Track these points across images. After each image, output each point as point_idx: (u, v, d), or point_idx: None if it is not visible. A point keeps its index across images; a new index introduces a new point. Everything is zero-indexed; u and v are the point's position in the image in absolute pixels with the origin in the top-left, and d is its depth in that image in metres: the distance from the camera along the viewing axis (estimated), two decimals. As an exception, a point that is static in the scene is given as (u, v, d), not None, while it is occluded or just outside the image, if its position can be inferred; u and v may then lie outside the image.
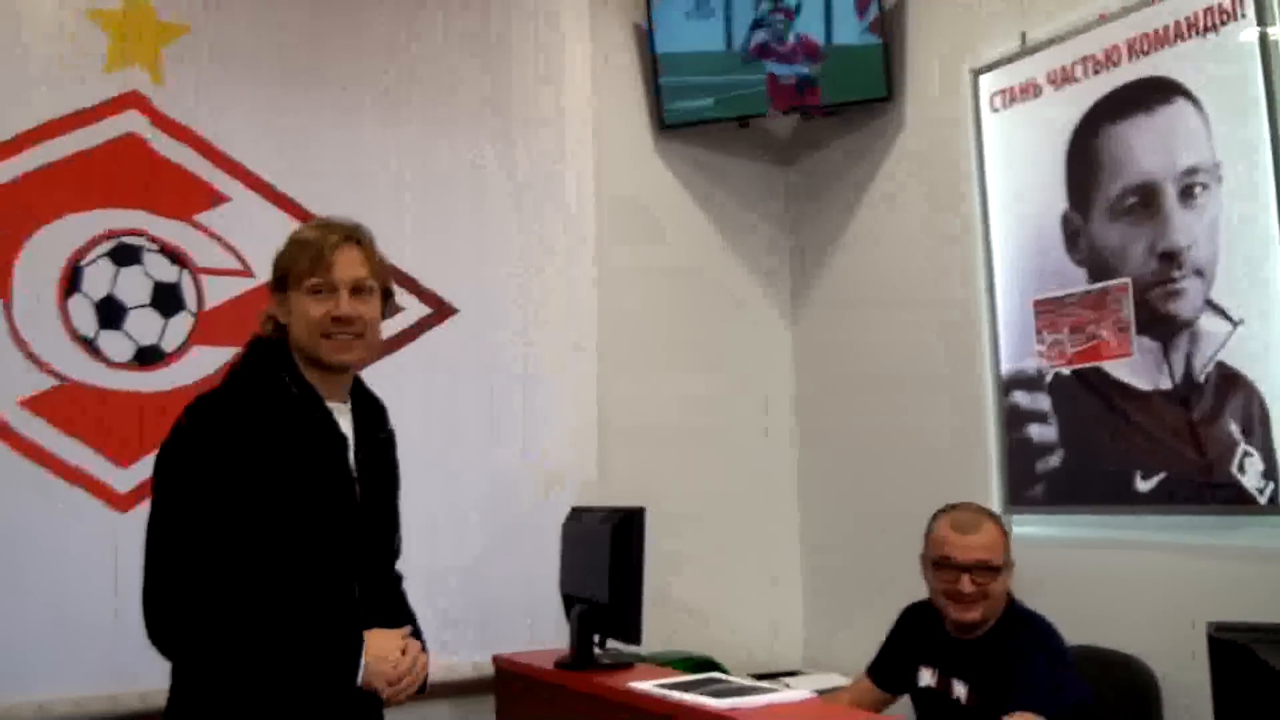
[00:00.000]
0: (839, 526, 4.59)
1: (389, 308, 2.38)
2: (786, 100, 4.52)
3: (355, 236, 2.26)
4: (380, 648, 2.13)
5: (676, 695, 2.80)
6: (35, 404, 3.48)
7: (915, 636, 3.14)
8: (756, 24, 4.50)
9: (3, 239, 3.49)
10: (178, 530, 2.03)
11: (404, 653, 2.17)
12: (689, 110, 4.61)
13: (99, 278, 3.61)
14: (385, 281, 2.32)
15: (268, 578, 2.07)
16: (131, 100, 3.69)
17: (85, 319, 3.58)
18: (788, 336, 4.89)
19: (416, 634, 2.32)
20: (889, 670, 3.21)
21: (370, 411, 2.36)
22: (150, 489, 2.14)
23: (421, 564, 3.91)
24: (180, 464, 2.08)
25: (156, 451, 2.16)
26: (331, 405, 2.24)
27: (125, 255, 3.64)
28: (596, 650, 3.33)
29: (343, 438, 2.22)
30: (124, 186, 3.65)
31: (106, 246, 3.63)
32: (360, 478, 2.25)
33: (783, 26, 4.44)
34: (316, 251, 2.19)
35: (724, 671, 3.57)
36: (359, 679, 2.09)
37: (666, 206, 4.72)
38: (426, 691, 2.28)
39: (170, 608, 2.02)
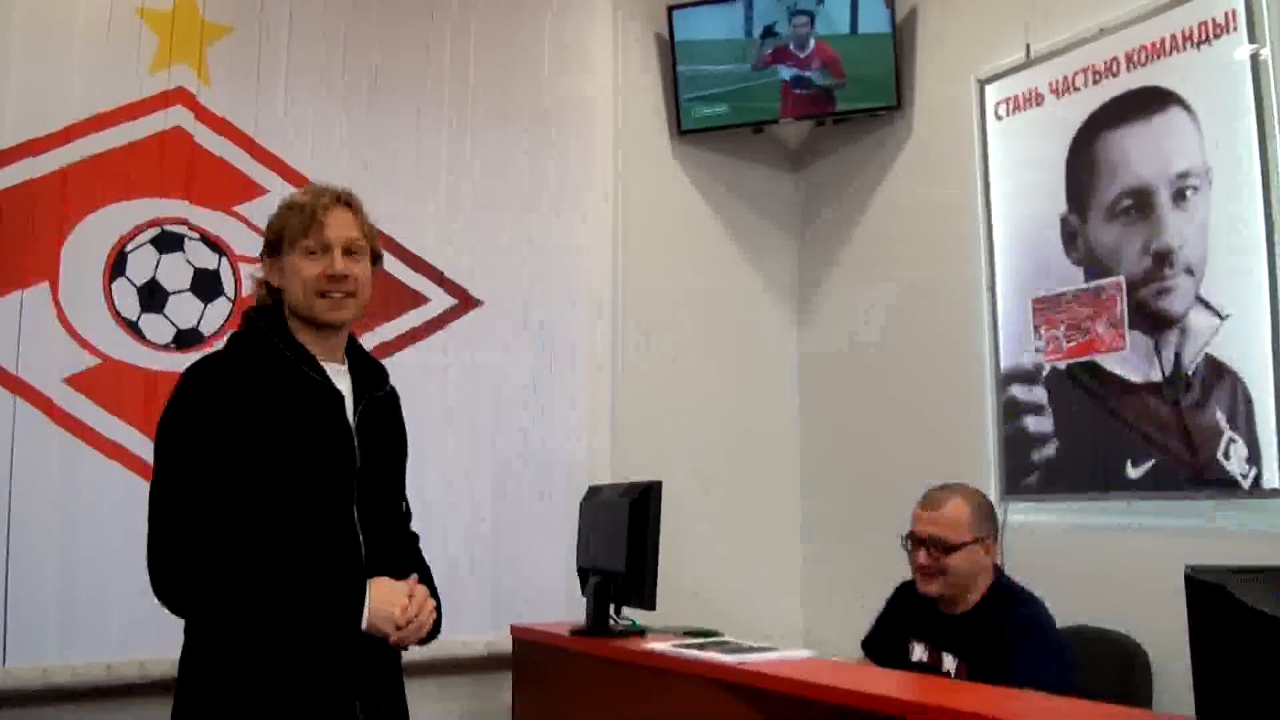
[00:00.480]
0: (840, 511, 4.75)
1: (377, 270, 2.38)
2: (799, 108, 4.70)
3: (346, 199, 2.29)
4: (384, 592, 2.13)
5: (690, 653, 2.95)
6: (79, 382, 3.66)
7: (907, 612, 3.22)
8: (768, 32, 4.67)
9: (52, 225, 3.68)
10: (178, 487, 2.05)
11: (410, 597, 2.16)
12: (706, 116, 4.80)
13: (143, 263, 3.79)
14: (375, 245, 2.33)
15: (268, 530, 2.08)
16: (177, 96, 3.88)
17: (128, 302, 3.77)
18: (794, 331, 5.07)
19: (429, 585, 2.31)
20: (881, 644, 3.29)
21: (368, 371, 2.36)
22: (155, 451, 2.15)
23: (437, 542, 4.10)
24: (177, 423, 2.10)
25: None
26: (327, 365, 2.26)
27: (168, 242, 3.82)
28: (611, 620, 3.48)
29: (338, 394, 2.23)
30: (168, 177, 3.84)
31: (150, 234, 3.81)
32: (360, 434, 2.24)
33: (805, 32, 4.61)
34: (310, 213, 2.21)
35: (729, 640, 3.72)
36: (363, 624, 2.10)
37: (682, 208, 4.91)
38: (438, 636, 2.28)
39: (173, 563, 2.03)
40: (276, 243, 2.24)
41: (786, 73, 4.66)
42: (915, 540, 3.06)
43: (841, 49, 4.58)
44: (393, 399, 2.44)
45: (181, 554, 2.03)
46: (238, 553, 2.05)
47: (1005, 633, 2.89)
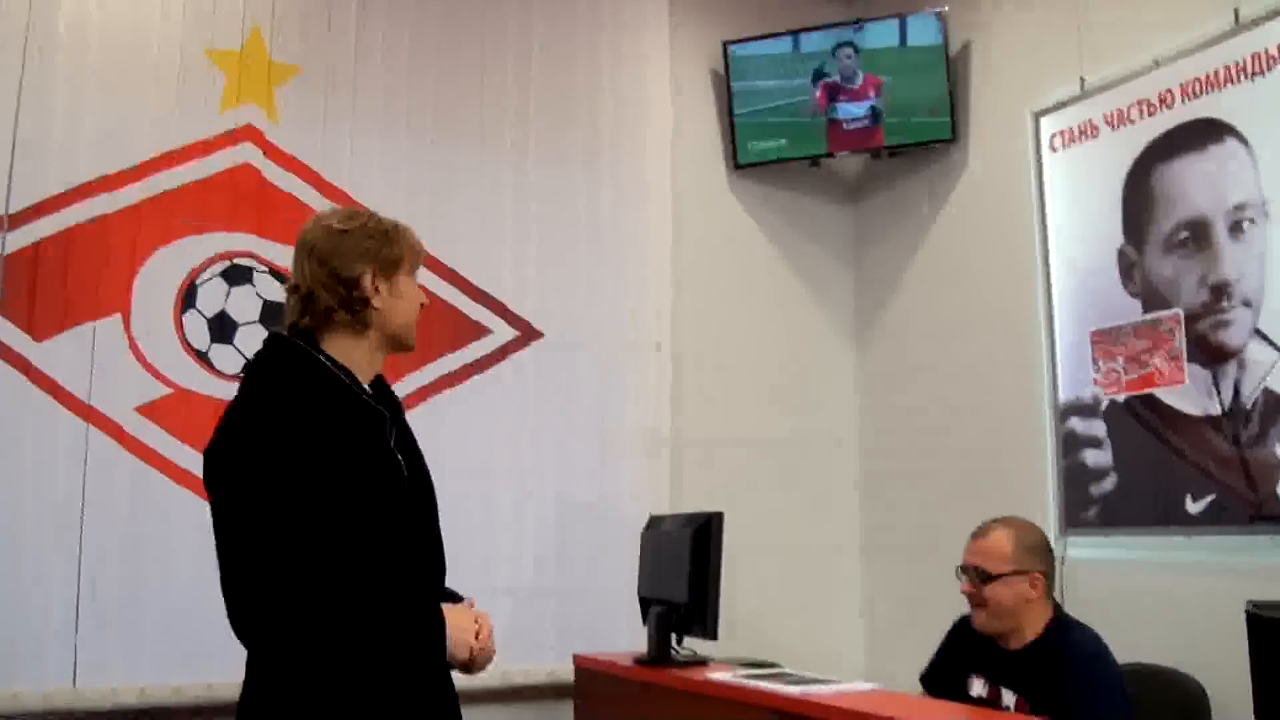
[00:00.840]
0: (900, 542, 4.74)
1: None
2: (848, 142, 4.75)
3: None
4: (458, 619, 2.12)
5: (753, 684, 2.97)
6: (150, 411, 3.77)
7: (965, 647, 3.21)
8: (818, 75, 4.74)
9: (124, 258, 3.81)
10: (285, 530, 1.98)
11: (477, 622, 2.16)
12: (762, 150, 4.85)
13: (213, 295, 3.90)
14: None
15: (357, 564, 2.04)
16: (246, 134, 4.01)
17: (199, 333, 3.87)
18: (852, 363, 5.08)
19: None
20: (940, 680, 3.27)
21: (388, 395, 2.33)
22: (225, 483, 2.04)
23: (500, 570, 4.18)
24: (275, 463, 2.00)
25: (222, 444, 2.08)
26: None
27: (237, 275, 3.93)
28: (673, 650, 3.51)
29: (384, 417, 2.20)
30: (238, 212, 3.96)
31: (220, 267, 3.92)
32: (402, 457, 2.22)
33: (851, 64, 4.67)
34: (417, 241, 2.29)
35: (791, 673, 3.73)
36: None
37: (739, 241, 4.95)
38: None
39: (271, 602, 1.96)
40: (397, 262, 2.24)
41: (840, 109, 4.71)
42: (963, 569, 3.08)
43: (894, 80, 4.63)
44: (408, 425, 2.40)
45: (280, 594, 1.96)
46: (335, 590, 1.99)
47: (1065, 666, 2.88)
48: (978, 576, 3.02)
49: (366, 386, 2.22)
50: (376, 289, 2.20)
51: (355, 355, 2.21)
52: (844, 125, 4.73)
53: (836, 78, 4.72)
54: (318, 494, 2.00)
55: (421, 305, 2.29)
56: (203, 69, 3.98)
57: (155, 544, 3.68)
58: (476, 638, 2.15)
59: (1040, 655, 2.97)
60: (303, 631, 1.98)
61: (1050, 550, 3.12)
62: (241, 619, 2.00)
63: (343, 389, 2.15)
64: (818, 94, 4.74)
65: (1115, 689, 2.85)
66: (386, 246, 2.22)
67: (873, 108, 4.68)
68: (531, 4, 4.57)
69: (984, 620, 3.04)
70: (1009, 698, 3.00)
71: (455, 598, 2.30)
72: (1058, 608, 3.08)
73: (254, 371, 2.18)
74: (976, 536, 3.11)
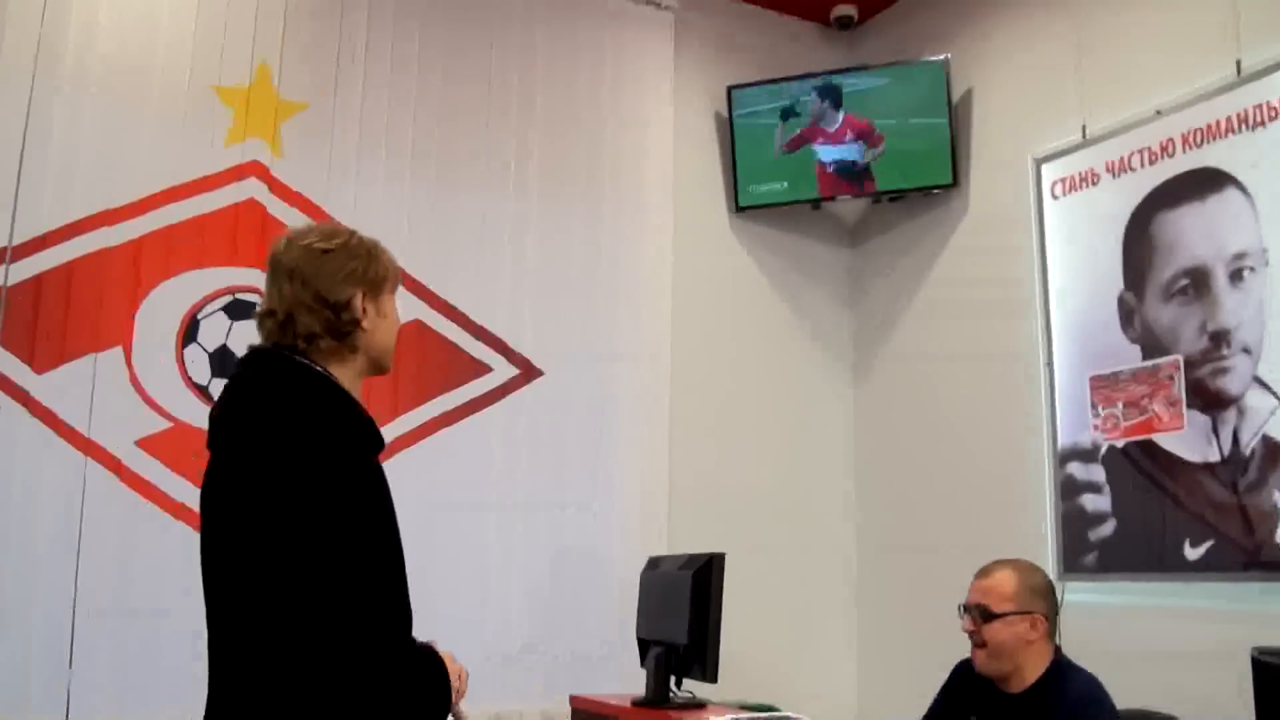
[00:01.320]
0: (896, 584, 4.74)
1: None
2: (840, 187, 4.78)
3: None
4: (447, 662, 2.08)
5: (751, 727, 2.96)
6: (149, 444, 3.75)
7: (966, 689, 3.19)
8: (787, 114, 4.80)
9: (126, 291, 3.81)
10: (302, 555, 1.83)
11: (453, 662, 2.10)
12: (762, 194, 4.88)
13: (214, 330, 3.90)
14: None
15: (371, 600, 1.90)
16: (251, 169, 4.02)
17: (200, 368, 3.87)
18: (849, 407, 5.10)
19: None
20: None
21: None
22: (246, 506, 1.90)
23: (495, 610, 4.16)
24: (295, 482, 1.86)
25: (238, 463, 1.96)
26: None
27: (239, 310, 3.92)
28: (671, 692, 3.49)
29: (384, 444, 2.11)
30: (241, 247, 3.96)
31: (222, 301, 3.92)
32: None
33: (820, 105, 4.76)
34: (394, 260, 2.21)
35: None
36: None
37: (739, 282, 4.97)
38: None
39: (290, 640, 1.83)
40: (382, 282, 2.17)
41: (823, 151, 4.76)
42: (965, 607, 3.08)
43: (896, 125, 4.66)
44: None
45: (314, 636, 1.83)
46: (361, 634, 1.86)
47: (1063, 711, 2.87)
48: (979, 615, 3.01)
49: None
50: (365, 311, 2.12)
51: (344, 380, 2.10)
52: (828, 168, 4.76)
53: (816, 121, 4.76)
54: (339, 527, 1.86)
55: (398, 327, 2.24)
56: (210, 105, 3.99)
57: (151, 579, 3.65)
58: (459, 679, 2.09)
59: (1039, 699, 2.96)
60: (317, 674, 1.83)
61: (1053, 593, 3.11)
62: (241, 650, 1.89)
63: (353, 407, 2.05)
64: (793, 135, 4.80)
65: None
66: (372, 266, 2.15)
67: (860, 151, 4.70)
68: (536, 44, 4.61)
69: (983, 661, 3.03)
70: (1008, 741, 2.99)
71: None
72: (1059, 651, 3.08)
73: (250, 387, 2.05)
74: (980, 576, 3.10)
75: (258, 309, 2.13)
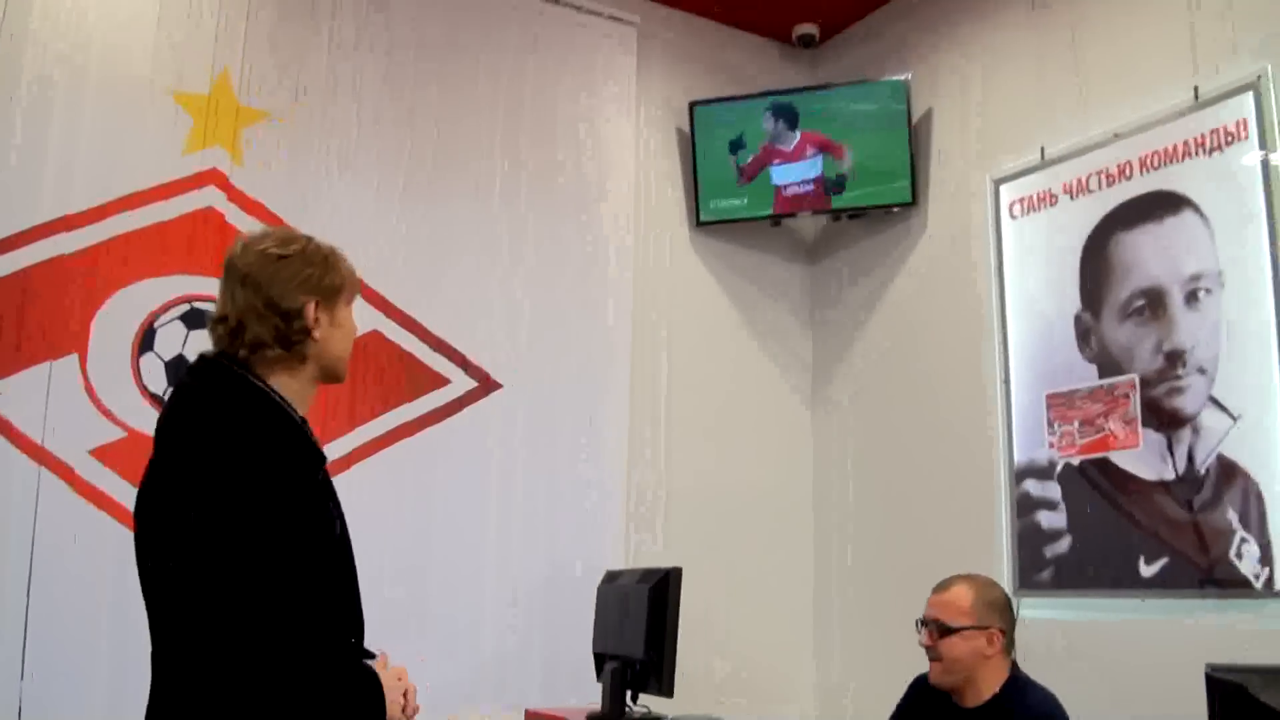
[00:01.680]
0: (853, 605, 4.76)
1: None
2: (799, 203, 4.81)
3: None
4: (387, 681, 2.00)
5: (706, 743, 2.96)
6: (104, 454, 3.69)
7: (922, 705, 3.20)
8: (735, 146, 4.85)
9: (82, 298, 3.75)
10: (225, 569, 1.80)
11: (401, 681, 2.05)
12: (722, 209, 4.90)
13: (170, 339, 3.85)
14: None
15: (299, 614, 1.87)
16: (210, 176, 3.98)
17: (156, 377, 3.81)
18: (807, 422, 5.12)
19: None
20: None
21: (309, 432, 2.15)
22: (168, 519, 1.88)
23: (452, 622, 4.14)
24: (215, 495, 1.83)
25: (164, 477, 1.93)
26: None
27: (196, 319, 3.87)
28: (627, 707, 3.48)
29: (324, 458, 2.07)
30: (198, 256, 3.91)
31: (179, 310, 3.87)
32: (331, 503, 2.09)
33: (775, 126, 4.80)
34: (352, 268, 2.17)
35: (744, 735, 3.72)
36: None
37: (698, 297, 4.99)
38: None
39: (215, 652, 1.80)
40: (338, 290, 2.12)
41: (778, 173, 4.80)
42: (922, 622, 3.09)
43: (856, 143, 4.69)
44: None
45: (239, 651, 1.80)
46: (289, 648, 1.84)
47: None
48: (936, 629, 3.03)
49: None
50: (318, 320, 2.07)
51: (291, 389, 2.06)
52: (785, 190, 4.80)
53: (772, 142, 4.80)
54: (268, 536, 1.83)
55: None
56: (169, 112, 3.95)
57: (105, 589, 3.60)
58: (405, 697, 2.03)
59: (996, 714, 2.97)
60: (246, 684, 1.80)
61: (1010, 608, 3.13)
62: (173, 664, 1.87)
63: (288, 423, 2.01)
64: (746, 164, 4.84)
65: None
66: (328, 274, 2.10)
67: (821, 168, 4.73)
68: (499, 59, 4.60)
69: (939, 674, 3.04)
70: (964, 758, 3.01)
71: (368, 654, 2.13)
72: (1015, 667, 3.10)
73: (190, 397, 2.03)
74: (937, 590, 3.11)
75: (211, 316, 2.08)
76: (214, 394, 1.99)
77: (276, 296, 2.03)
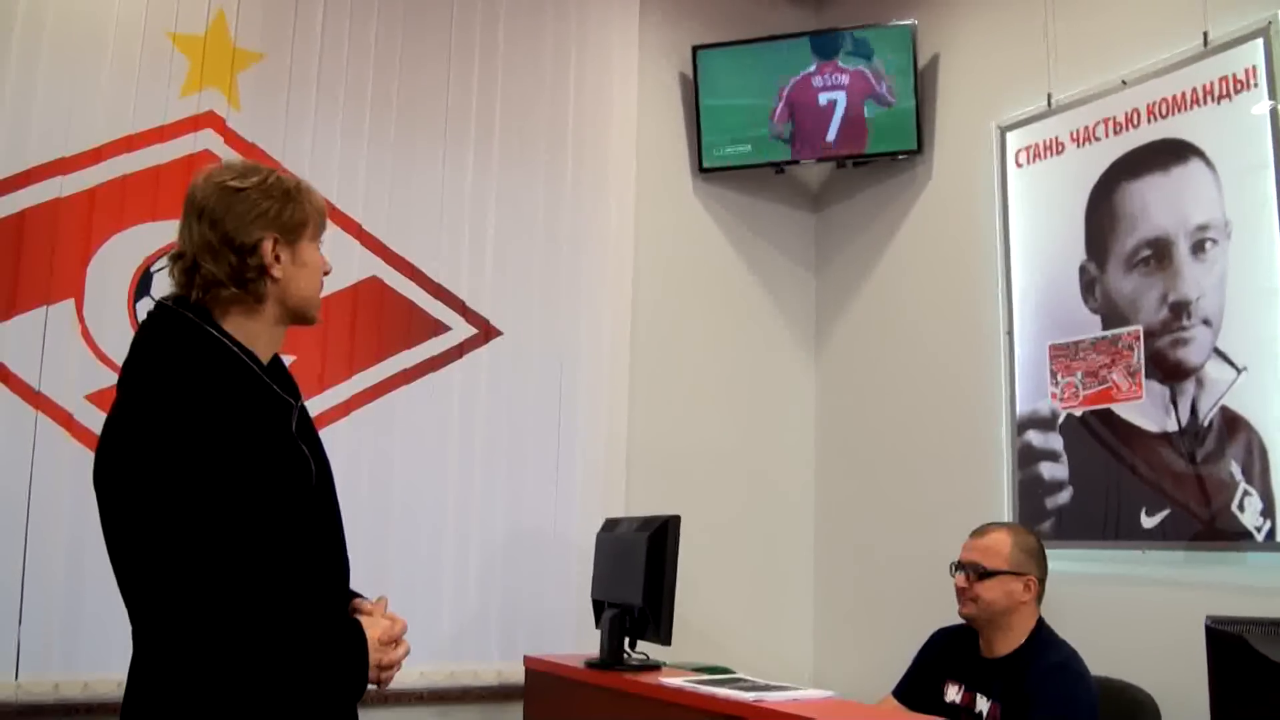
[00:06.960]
0: (852, 553, 4.75)
1: None
2: (816, 151, 4.75)
3: None
4: (374, 632, 1.96)
5: (706, 689, 2.96)
6: (100, 399, 3.67)
7: (944, 656, 3.29)
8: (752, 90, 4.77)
9: (78, 242, 3.72)
10: (180, 529, 1.75)
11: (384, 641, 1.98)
12: (725, 155, 4.84)
13: (167, 283, 3.80)
14: None
15: (267, 567, 1.83)
16: (207, 120, 3.94)
17: (153, 321, 3.78)
18: (811, 371, 5.10)
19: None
20: (915, 691, 3.34)
21: (286, 376, 2.08)
22: (119, 481, 1.83)
23: (450, 571, 4.15)
24: (161, 452, 1.77)
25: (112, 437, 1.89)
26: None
27: (194, 264, 3.84)
28: (625, 654, 3.49)
29: (289, 405, 1.98)
30: (196, 199, 3.86)
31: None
32: (306, 447, 2.00)
33: (814, 90, 4.72)
34: (321, 206, 2.06)
35: (743, 678, 3.72)
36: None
37: (702, 245, 4.95)
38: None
39: (180, 615, 1.76)
40: (300, 226, 2.00)
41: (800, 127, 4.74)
42: (958, 565, 3.17)
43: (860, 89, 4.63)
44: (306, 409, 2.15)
45: (204, 612, 1.75)
46: (257, 606, 1.79)
47: (1036, 677, 2.95)
48: (974, 572, 3.11)
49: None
50: (277, 257, 1.95)
51: (251, 332, 1.96)
52: (803, 135, 4.74)
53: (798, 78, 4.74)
54: (222, 491, 1.76)
55: (325, 273, 2.07)
56: (165, 52, 3.90)
57: (101, 536, 3.59)
58: (395, 650, 1.98)
59: (1017, 665, 3.05)
60: (215, 647, 1.75)
61: (1044, 558, 3.18)
62: (146, 626, 1.83)
63: (243, 371, 1.91)
64: (779, 109, 4.76)
65: (1082, 711, 2.89)
66: (289, 208, 1.98)
67: (843, 122, 4.67)
68: (499, 1, 4.54)
69: (972, 610, 3.12)
70: (983, 703, 3.07)
71: (356, 597, 2.11)
72: (1042, 620, 3.13)
73: (141, 350, 1.93)
74: (976, 535, 3.21)
75: (170, 252, 2.00)
76: (163, 347, 1.90)
77: (232, 230, 1.93)
